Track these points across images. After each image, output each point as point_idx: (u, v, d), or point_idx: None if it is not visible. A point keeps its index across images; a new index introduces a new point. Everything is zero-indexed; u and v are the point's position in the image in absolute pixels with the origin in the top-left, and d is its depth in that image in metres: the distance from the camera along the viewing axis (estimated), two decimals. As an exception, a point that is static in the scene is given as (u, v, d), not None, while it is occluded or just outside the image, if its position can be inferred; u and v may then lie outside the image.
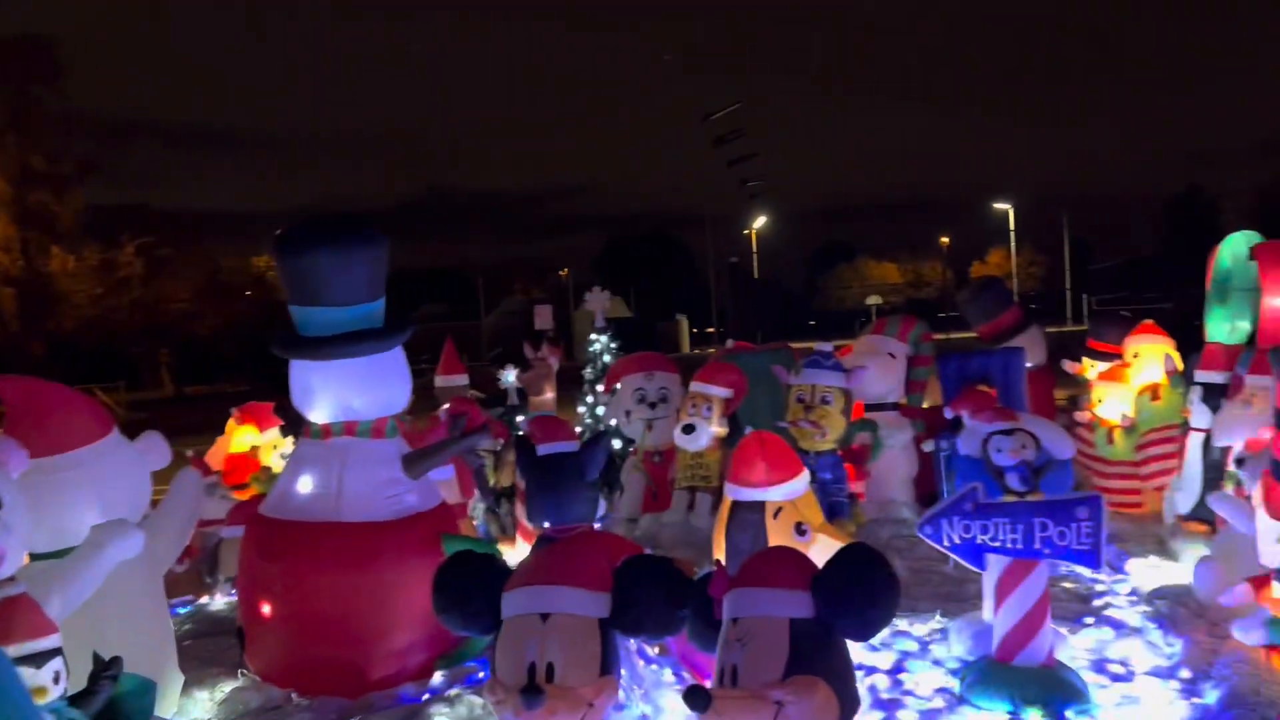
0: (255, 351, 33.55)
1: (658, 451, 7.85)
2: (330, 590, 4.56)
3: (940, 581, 5.81)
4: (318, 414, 4.85)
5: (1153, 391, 7.23)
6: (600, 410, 9.43)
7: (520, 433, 7.74)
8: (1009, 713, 4.02)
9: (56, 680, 3.18)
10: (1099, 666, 4.52)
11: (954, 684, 4.36)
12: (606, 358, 9.86)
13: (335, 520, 4.67)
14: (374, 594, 4.57)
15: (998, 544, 4.18)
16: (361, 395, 4.80)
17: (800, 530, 4.89)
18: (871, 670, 4.53)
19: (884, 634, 4.30)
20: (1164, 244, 66.94)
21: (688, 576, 3.89)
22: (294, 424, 5.22)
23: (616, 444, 8.31)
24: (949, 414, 6.51)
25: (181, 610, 6.23)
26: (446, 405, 8.19)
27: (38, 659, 3.13)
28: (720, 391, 7.42)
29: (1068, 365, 8.42)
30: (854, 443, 7.06)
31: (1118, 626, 4.99)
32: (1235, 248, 6.23)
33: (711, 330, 53.05)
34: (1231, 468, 5.71)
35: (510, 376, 9.52)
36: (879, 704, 4.21)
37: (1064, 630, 4.72)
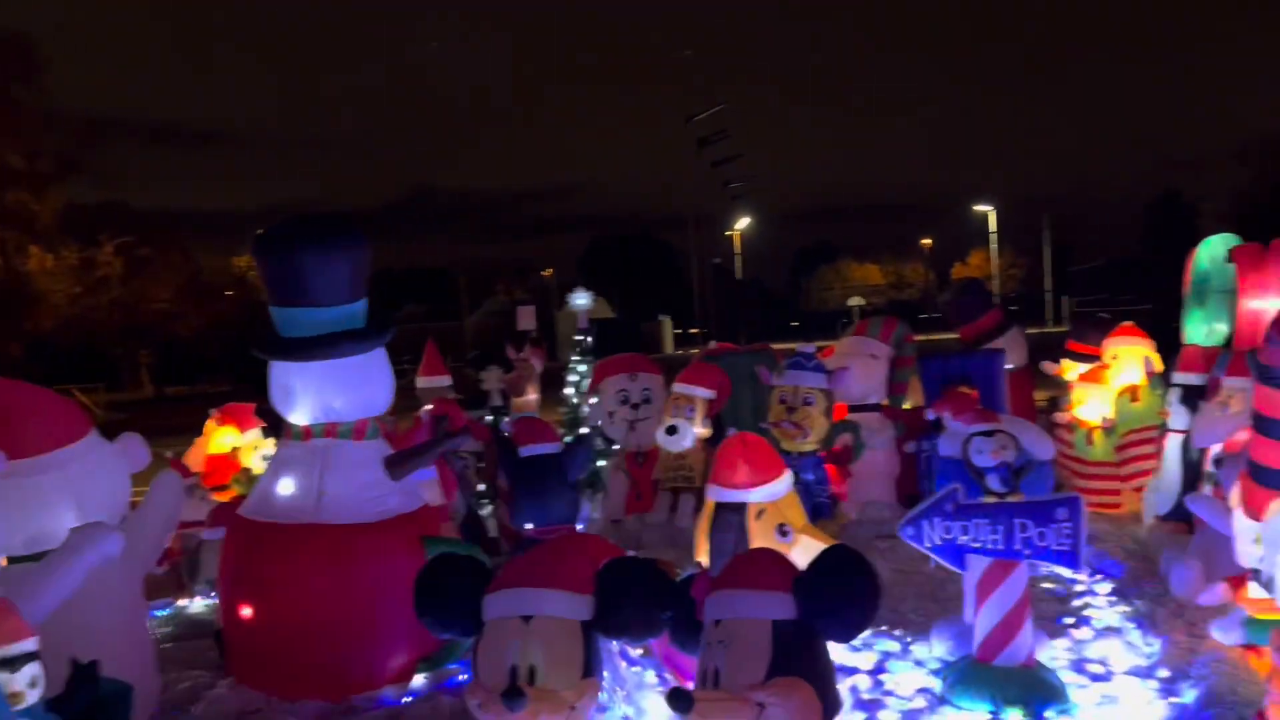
0: (237, 352, 33.40)
1: (641, 452, 7.85)
2: (311, 593, 4.53)
3: (922, 582, 5.83)
4: (298, 415, 4.82)
5: (1132, 393, 7.28)
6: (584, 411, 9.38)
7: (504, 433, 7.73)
8: (990, 713, 4.04)
9: (33, 685, 3.15)
10: (1078, 666, 4.55)
11: (935, 684, 4.38)
12: (583, 367, 9.64)
13: (316, 522, 4.64)
14: (355, 596, 4.55)
15: (978, 545, 4.20)
16: (343, 396, 4.78)
17: (783, 531, 4.91)
18: (853, 671, 4.53)
19: (865, 635, 4.31)
20: (1143, 247, 67.39)
21: (670, 579, 3.90)
22: (276, 425, 5.19)
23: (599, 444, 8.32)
24: (930, 415, 6.55)
25: (160, 613, 6.19)
26: (428, 406, 8.18)
27: (14, 663, 3.09)
28: (703, 393, 7.44)
29: (1047, 367, 8.47)
30: (836, 444, 7.09)
31: (1097, 627, 5.03)
32: (1213, 251, 6.28)
33: (695, 331, 53.07)
34: (1209, 468, 5.76)
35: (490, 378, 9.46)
36: (860, 705, 4.22)
37: (1044, 630, 4.74)
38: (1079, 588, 5.67)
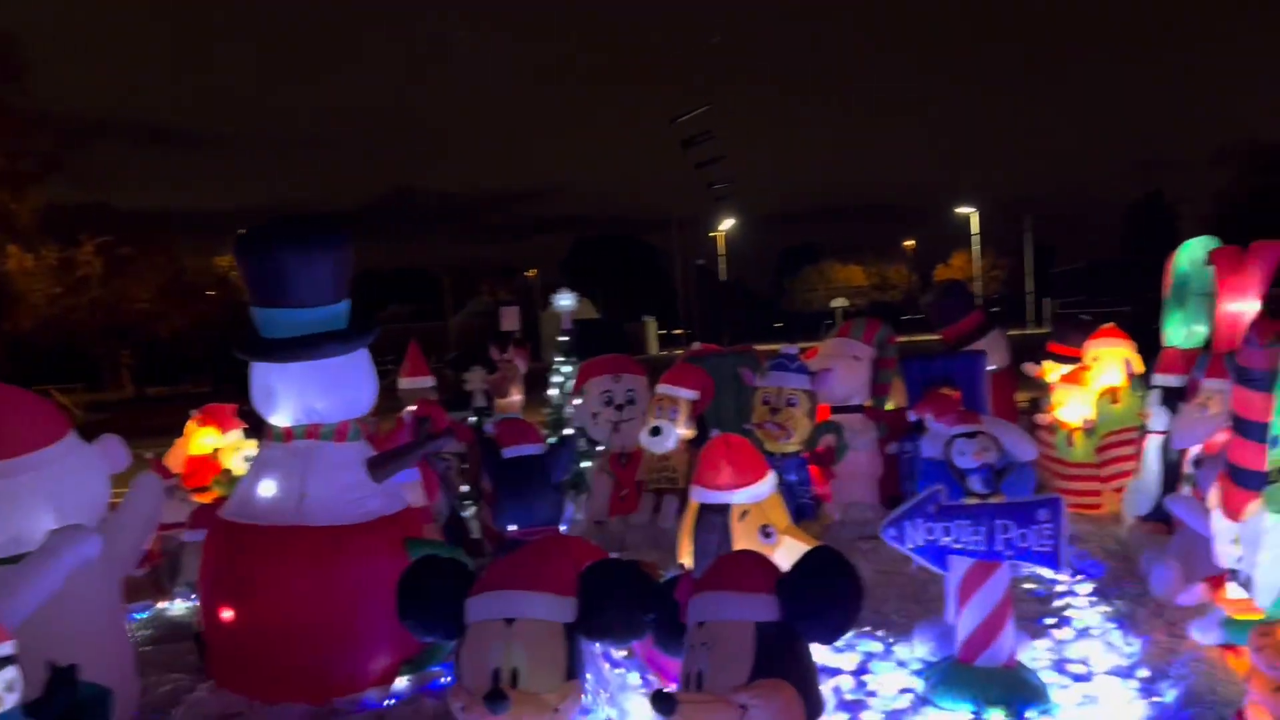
0: (219, 353, 33.17)
1: (624, 454, 7.85)
2: (293, 595, 4.50)
3: (904, 583, 5.85)
4: (280, 417, 4.80)
5: (1112, 394, 7.32)
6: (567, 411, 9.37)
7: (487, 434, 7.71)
8: (972, 713, 4.06)
9: (10, 689, 3.11)
10: (1059, 667, 4.57)
11: (918, 685, 4.39)
12: (567, 369, 9.65)
13: (298, 524, 4.61)
14: (337, 599, 4.52)
15: (960, 546, 4.21)
16: (325, 398, 4.75)
17: (766, 533, 4.91)
18: (836, 672, 4.54)
19: (848, 636, 4.32)
20: (1124, 249, 67.89)
21: (653, 581, 3.90)
22: (257, 426, 5.16)
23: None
24: (913, 417, 6.57)
25: (140, 615, 6.14)
26: (411, 407, 8.15)
27: (-9, 667, 3.06)
28: (687, 394, 7.44)
29: (1029, 368, 8.50)
30: (819, 445, 7.10)
31: (1078, 627, 5.05)
32: (1193, 253, 6.32)
33: (679, 332, 53.10)
34: (1189, 470, 5.80)
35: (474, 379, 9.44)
36: (843, 705, 4.22)
37: (1025, 631, 4.76)
38: (1060, 588, 5.70)
